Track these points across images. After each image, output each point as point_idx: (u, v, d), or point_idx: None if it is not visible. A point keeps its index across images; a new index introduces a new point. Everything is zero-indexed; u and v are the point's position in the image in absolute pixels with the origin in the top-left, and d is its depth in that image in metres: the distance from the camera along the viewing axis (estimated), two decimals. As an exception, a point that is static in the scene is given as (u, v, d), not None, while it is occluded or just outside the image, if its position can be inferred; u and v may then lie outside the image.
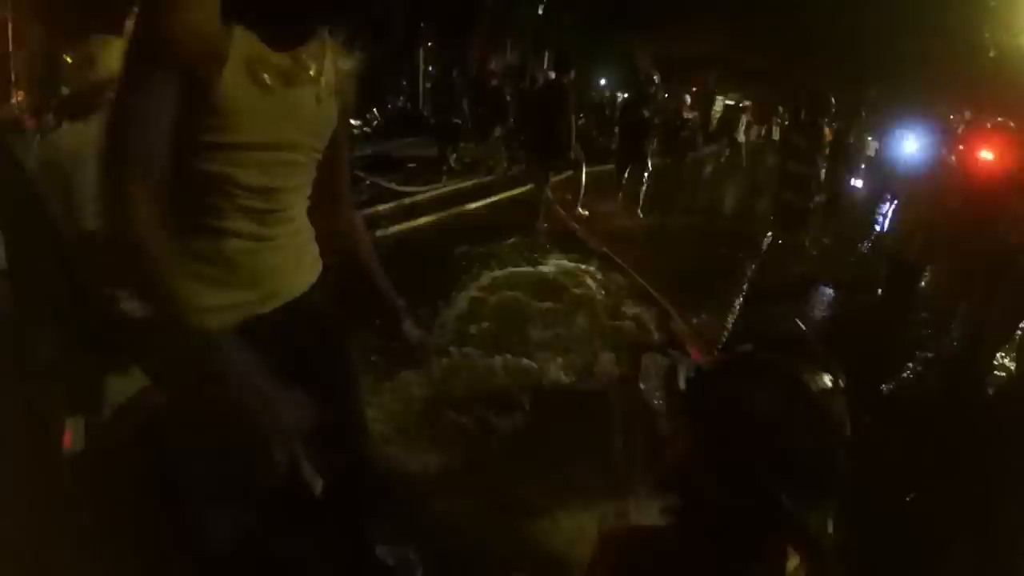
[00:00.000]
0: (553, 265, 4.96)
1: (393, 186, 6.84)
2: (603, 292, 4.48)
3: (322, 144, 1.21)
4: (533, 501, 2.20)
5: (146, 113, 0.94)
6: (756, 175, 12.56)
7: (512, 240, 5.52)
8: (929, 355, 3.96)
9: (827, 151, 6.60)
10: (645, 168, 7.17)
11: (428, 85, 13.26)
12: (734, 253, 6.12)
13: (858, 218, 8.47)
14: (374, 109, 11.28)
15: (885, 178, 7.88)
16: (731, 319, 4.37)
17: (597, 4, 15.77)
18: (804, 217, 6.35)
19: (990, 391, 3.57)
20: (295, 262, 1.25)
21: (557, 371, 3.24)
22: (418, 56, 13.99)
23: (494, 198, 7.37)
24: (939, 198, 3.68)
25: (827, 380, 0.75)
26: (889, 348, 3.87)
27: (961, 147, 3.95)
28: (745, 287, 5.08)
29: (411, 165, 8.68)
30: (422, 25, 13.74)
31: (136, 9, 0.94)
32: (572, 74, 6.21)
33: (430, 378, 2.89)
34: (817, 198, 6.43)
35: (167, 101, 0.95)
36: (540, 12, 15.68)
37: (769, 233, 6.60)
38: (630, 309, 4.21)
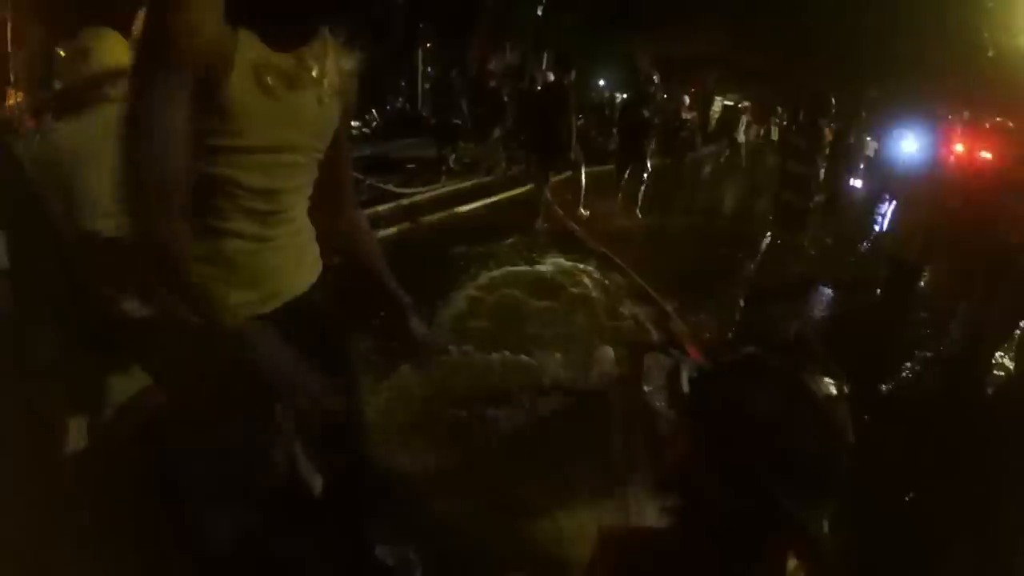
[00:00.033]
0: (551, 264, 4.97)
1: (391, 188, 6.83)
2: (601, 292, 4.48)
3: (323, 145, 1.22)
4: (533, 501, 2.19)
5: (162, 117, 0.95)
6: (755, 175, 12.57)
7: (511, 240, 5.52)
8: (928, 355, 3.97)
9: (827, 151, 6.60)
10: (644, 168, 7.18)
11: (427, 86, 13.24)
12: (733, 253, 6.12)
13: (857, 218, 8.48)
14: (373, 110, 11.27)
15: (884, 178, 7.89)
16: (731, 319, 4.37)
17: (597, 4, 15.76)
18: (804, 217, 6.33)
19: (989, 391, 3.57)
20: (295, 262, 1.25)
21: (556, 368, 3.24)
22: (417, 56, 13.99)
23: (493, 199, 7.36)
24: (939, 198, 3.68)
25: (829, 383, 0.75)
26: (889, 348, 3.87)
27: (960, 147, 3.95)
28: (745, 287, 5.08)
29: (410, 166, 8.68)
30: (421, 25, 13.73)
31: (142, 10, 0.94)
32: (572, 75, 6.21)
33: (430, 377, 2.90)
34: (817, 198, 6.43)
35: (182, 105, 0.96)
36: (540, 13, 15.67)
37: (768, 233, 6.60)
38: (628, 308, 4.21)
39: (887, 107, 12.04)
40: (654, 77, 7.55)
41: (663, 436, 0.85)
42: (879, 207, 7.95)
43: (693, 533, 0.79)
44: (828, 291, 5.28)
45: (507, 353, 3.29)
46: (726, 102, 20.47)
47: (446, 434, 2.59)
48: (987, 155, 3.60)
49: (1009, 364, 3.75)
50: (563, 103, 5.96)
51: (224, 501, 1.24)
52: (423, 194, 7.09)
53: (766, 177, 10.04)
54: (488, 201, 7.25)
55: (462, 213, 6.66)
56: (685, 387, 0.80)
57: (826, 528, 0.73)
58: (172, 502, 1.25)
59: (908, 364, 3.85)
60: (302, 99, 1.11)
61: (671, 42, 16.14)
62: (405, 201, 6.68)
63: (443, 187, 7.64)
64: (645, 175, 7.19)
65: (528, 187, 6.83)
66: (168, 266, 0.98)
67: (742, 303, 4.71)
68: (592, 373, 3.26)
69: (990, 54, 12.00)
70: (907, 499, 2.52)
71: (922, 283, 4.26)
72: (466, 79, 11.15)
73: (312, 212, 1.28)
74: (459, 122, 9.44)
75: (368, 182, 6.61)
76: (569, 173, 6.82)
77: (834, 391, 0.75)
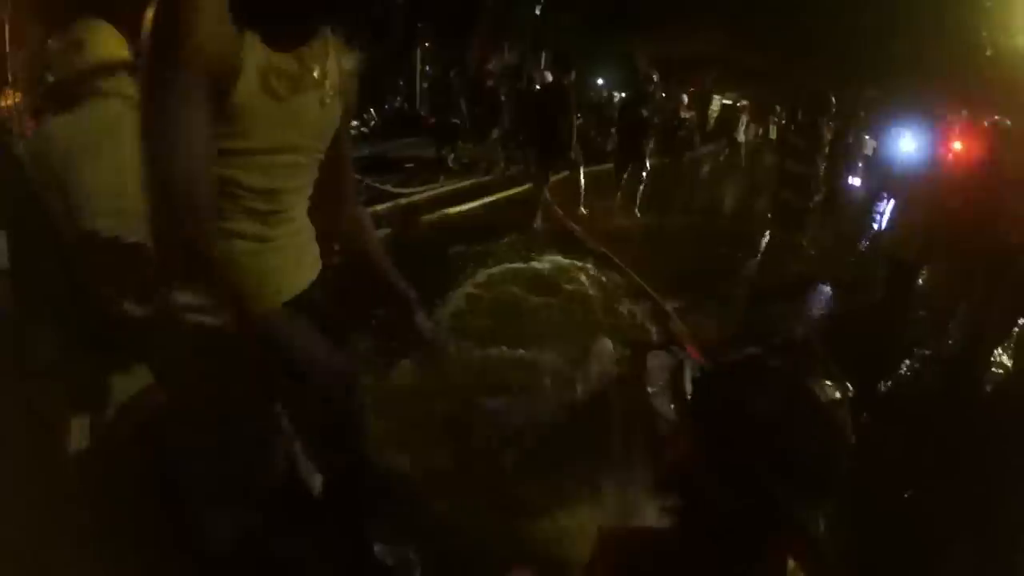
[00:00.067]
0: (548, 262, 4.97)
1: (389, 187, 6.82)
2: (599, 290, 4.48)
3: (324, 145, 1.22)
4: (533, 501, 2.19)
5: (180, 117, 0.95)
6: (754, 175, 12.57)
7: (509, 239, 5.52)
8: (928, 354, 3.97)
9: (826, 150, 6.60)
10: (643, 168, 7.18)
11: (426, 85, 13.24)
12: (732, 253, 6.12)
13: (857, 217, 8.48)
14: (371, 110, 11.26)
15: (883, 177, 7.89)
16: (730, 319, 4.37)
17: (596, 4, 15.76)
18: (803, 216, 6.34)
19: (989, 390, 3.58)
20: (296, 262, 1.25)
21: (555, 365, 3.24)
22: (416, 56, 13.98)
23: (491, 198, 7.35)
24: (938, 197, 3.68)
25: (831, 385, 0.75)
26: (888, 347, 3.87)
27: (959, 146, 3.95)
28: (744, 287, 5.08)
29: (409, 165, 8.67)
30: (420, 25, 13.72)
31: (147, 10, 0.94)
32: (572, 75, 6.21)
33: (429, 375, 2.90)
34: (816, 197, 6.43)
35: (199, 106, 0.96)
36: (538, 13, 15.66)
37: (768, 232, 6.60)
38: (627, 307, 4.21)
39: (886, 106, 12.05)
40: (653, 76, 7.54)
41: (663, 436, 0.85)
42: (878, 206, 7.95)
43: (693, 533, 0.79)
44: (827, 290, 5.28)
45: (504, 348, 3.30)
46: (725, 101, 20.45)
47: (446, 434, 2.59)
48: (986, 154, 3.60)
49: (1008, 362, 3.76)
50: (563, 103, 5.95)
51: (224, 501, 1.24)
52: (421, 194, 7.08)
53: (765, 176, 10.03)
54: (486, 201, 7.24)
55: (460, 213, 6.65)
56: (688, 387, 0.81)
57: (826, 529, 0.73)
58: (172, 502, 1.25)
59: (908, 363, 3.85)
60: (305, 101, 1.12)
61: (670, 42, 16.13)
62: (403, 201, 6.68)
63: (441, 187, 7.63)
64: (644, 174, 7.19)
65: (526, 187, 6.81)
66: (199, 264, 0.98)
67: (742, 303, 4.71)
68: (591, 369, 3.25)
69: (988, 53, 12.03)
70: (907, 498, 2.52)
71: (921, 282, 4.26)
72: (465, 79, 11.15)
73: (314, 212, 1.28)
74: (458, 122, 9.45)
75: (366, 182, 6.60)
76: (567, 173, 6.82)
77: (836, 394, 0.75)
